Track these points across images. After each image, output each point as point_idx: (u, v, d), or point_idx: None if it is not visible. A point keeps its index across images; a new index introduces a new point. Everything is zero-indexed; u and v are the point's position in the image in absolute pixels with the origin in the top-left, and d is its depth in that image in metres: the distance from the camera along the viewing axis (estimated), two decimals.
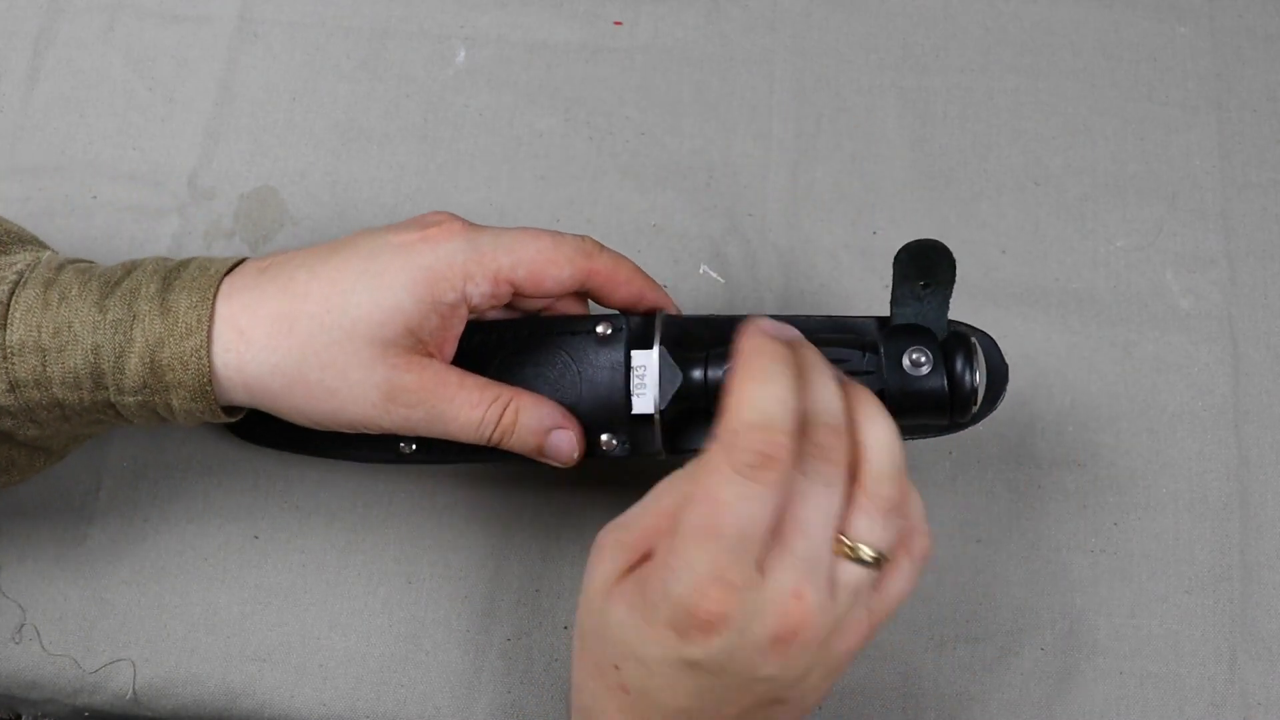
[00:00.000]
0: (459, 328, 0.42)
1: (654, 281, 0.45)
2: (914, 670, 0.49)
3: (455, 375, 0.42)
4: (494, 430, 0.42)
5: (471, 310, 0.42)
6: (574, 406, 0.43)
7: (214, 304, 0.40)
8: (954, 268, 0.41)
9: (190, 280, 0.41)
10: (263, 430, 0.48)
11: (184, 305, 0.40)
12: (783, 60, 0.59)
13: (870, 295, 0.54)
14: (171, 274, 0.41)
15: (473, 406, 0.42)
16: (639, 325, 0.44)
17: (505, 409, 0.42)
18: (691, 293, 0.54)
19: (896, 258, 0.41)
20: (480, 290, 0.41)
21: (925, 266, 0.41)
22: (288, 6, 0.60)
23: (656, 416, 0.43)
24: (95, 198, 0.56)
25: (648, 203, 0.56)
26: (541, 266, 0.42)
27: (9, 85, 0.58)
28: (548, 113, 0.58)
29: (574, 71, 0.59)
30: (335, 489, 0.51)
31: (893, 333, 0.42)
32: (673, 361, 0.42)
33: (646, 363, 0.43)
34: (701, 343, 0.43)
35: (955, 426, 0.44)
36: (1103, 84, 0.59)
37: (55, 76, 0.58)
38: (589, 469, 0.49)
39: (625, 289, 0.44)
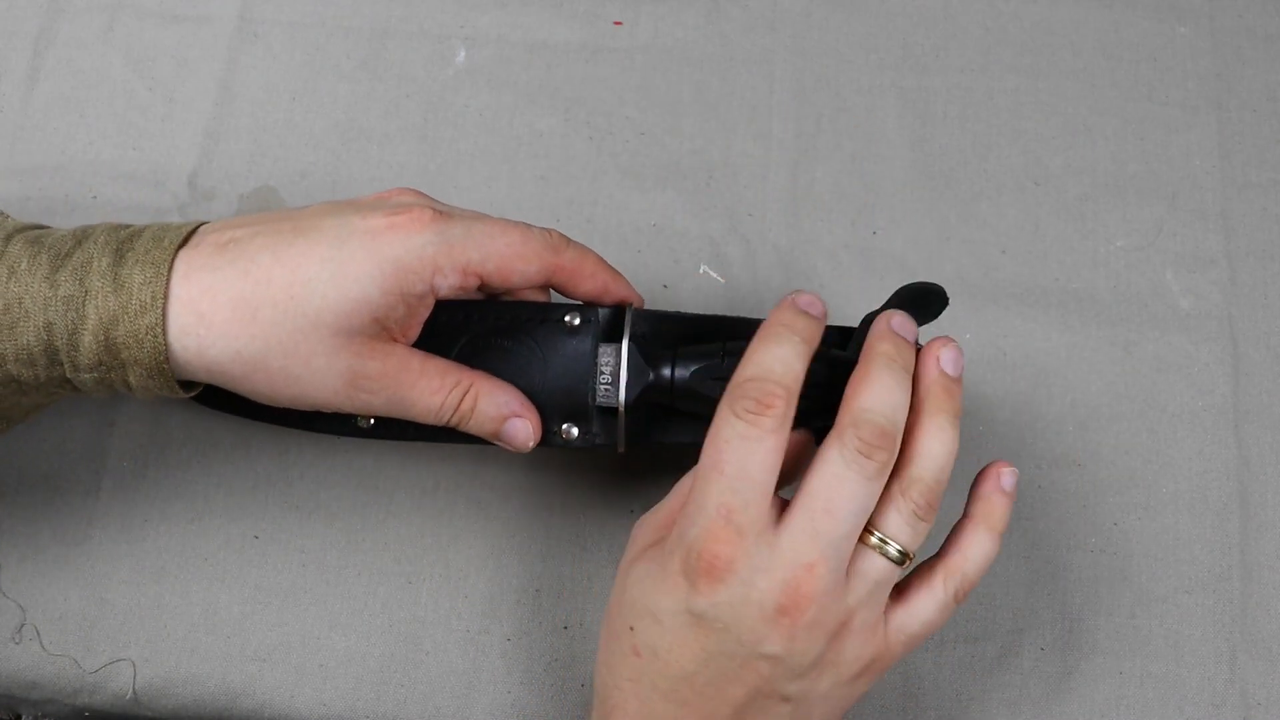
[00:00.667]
0: (425, 314, 0.42)
1: (618, 274, 0.45)
2: (914, 670, 0.49)
3: (417, 360, 0.42)
4: (453, 414, 0.43)
5: (437, 299, 0.42)
6: (537, 393, 0.44)
7: (169, 279, 0.39)
8: (945, 306, 0.43)
9: (144, 253, 0.40)
10: (224, 398, 0.46)
11: (138, 281, 0.39)
12: (783, 60, 0.59)
13: (870, 295, 0.54)
14: (124, 245, 0.40)
15: (433, 392, 0.42)
16: (608, 318, 0.44)
17: (465, 395, 0.42)
18: (691, 293, 0.54)
19: (899, 292, 0.42)
20: (448, 282, 0.41)
21: (922, 305, 0.43)
22: (288, 6, 0.60)
23: (621, 411, 0.43)
24: (95, 198, 0.56)
25: (648, 203, 0.56)
26: (509, 261, 0.42)
27: (9, 85, 0.58)
28: (548, 113, 0.58)
29: (574, 71, 0.59)
30: (335, 489, 0.51)
31: None
32: (641, 359, 0.43)
33: (615, 357, 0.43)
34: (668, 338, 0.44)
35: None
36: (1103, 84, 0.59)
37: (55, 76, 0.58)
38: (592, 470, 0.49)
39: (590, 283, 0.44)
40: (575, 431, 0.44)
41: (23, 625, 0.49)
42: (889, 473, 0.38)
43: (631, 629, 0.40)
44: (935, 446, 0.39)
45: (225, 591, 0.50)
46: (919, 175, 0.57)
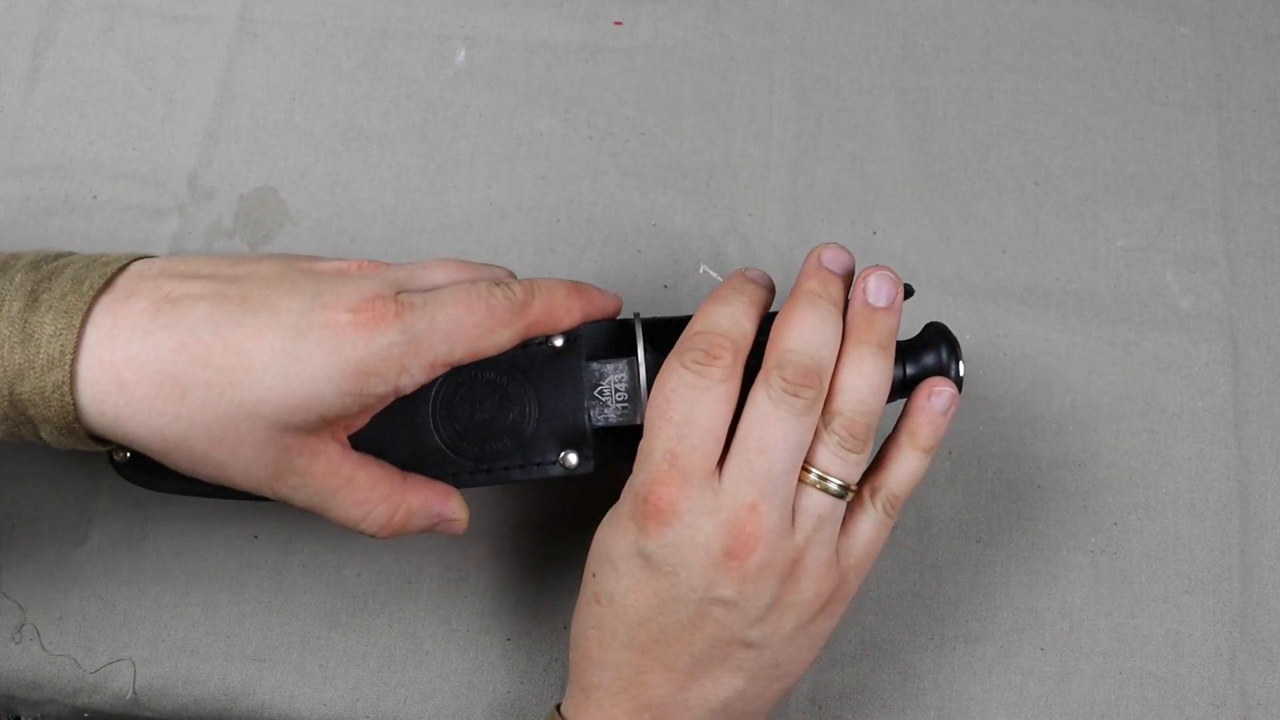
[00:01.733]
0: (381, 408, 0.39)
1: (591, 292, 0.42)
2: (914, 670, 0.49)
3: (348, 467, 0.39)
4: (379, 530, 0.40)
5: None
6: (530, 426, 0.42)
7: (83, 330, 0.35)
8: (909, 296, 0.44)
9: (59, 298, 0.36)
10: (157, 478, 0.43)
11: (48, 331, 0.35)
12: (783, 60, 0.59)
13: None
14: (41, 285, 0.36)
15: (357, 504, 0.39)
16: (595, 332, 0.42)
17: (395, 513, 0.40)
18: (691, 293, 0.54)
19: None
20: (414, 379, 0.38)
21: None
22: (288, 6, 0.60)
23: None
24: (95, 198, 0.56)
25: (648, 203, 0.56)
26: (479, 339, 0.39)
27: (9, 85, 0.58)
28: (548, 113, 0.58)
29: (574, 71, 0.59)
30: None
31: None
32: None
33: (629, 372, 0.42)
34: (668, 342, 0.42)
35: None
36: (1103, 84, 0.59)
37: (55, 76, 0.58)
38: (592, 470, 0.49)
39: (568, 319, 0.41)
40: (574, 459, 0.42)
41: (23, 625, 0.49)
42: (820, 407, 0.39)
43: (594, 576, 0.41)
44: (854, 379, 0.39)
45: (225, 591, 0.50)
46: (919, 175, 0.57)
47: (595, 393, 0.42)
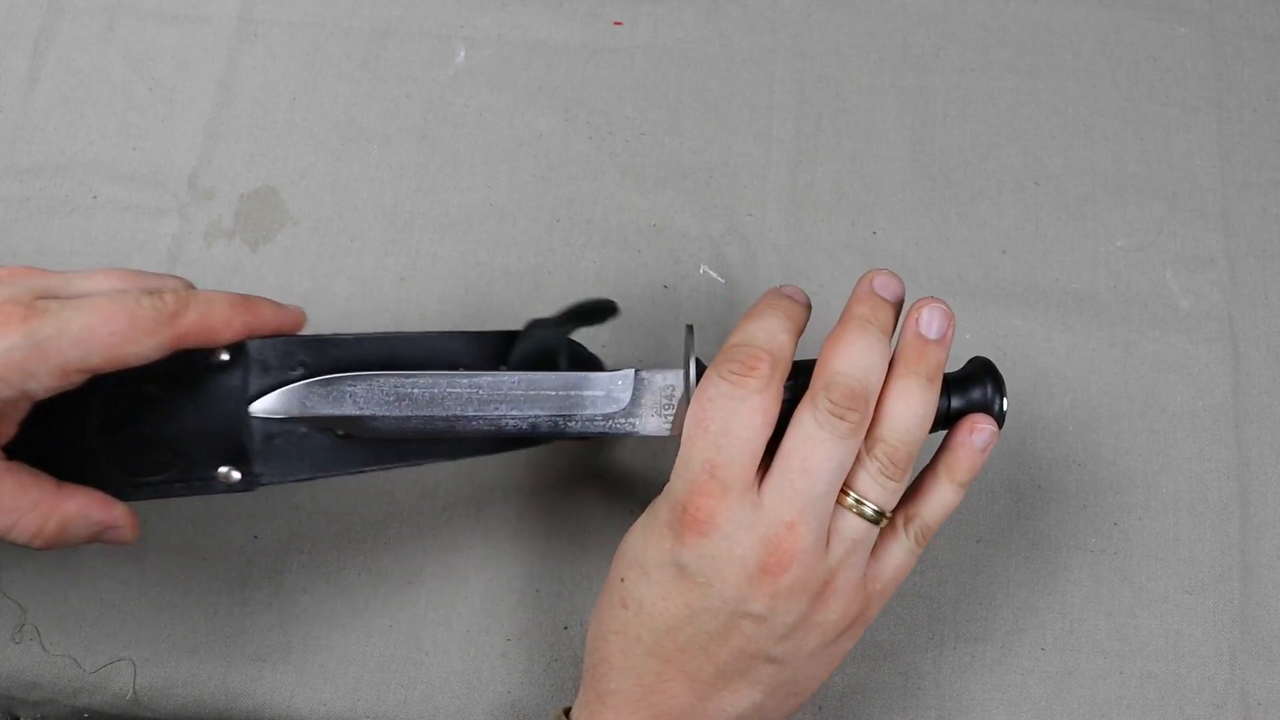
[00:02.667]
0: (20, 415, 0.38)
1: (262, 305, 0.41)
2: (914, 670, 0.49)
3: None
4: (33, 539, 0.39)
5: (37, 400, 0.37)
6: (189, 439, 0.41)
7: None
8: (614, 315, 0.45)
9: None
10: None
11: None
12: (783, 60, 0.59)
13: None
14: None
15: (2, 512, 0.38)
16: (262, 350, 0.41)
17: (46, 522, 0.39)
18: (691, 293, 0.54)
19: (569, 309, 0.44)
20: (45, 385, 0.36)
21: (590, 317, 0.45)
22: (288, 6, 0.60)
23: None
24: (95, 198, 0.56)
25: (648, 203, 0.56)
26: (118, 347, 0.37)
27: (9, 85, 0.58)
28: (548, 113, 0.58)
29: (574, 71, 0.59)
30: (335, 489, 0.51)
31: None
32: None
33: (681, 381, 0.42)
34: (339, 365, 0.41)
35: None
36: (1103, 84, 0.59)
37: (55, 76, 0.58)
38: (593, 471, 0.49)
39: (228, 333, 0.39)
40: (236, 475, 0.41)
41: (23, 625, 0.49)
42: (864, 432, 0.39)
43: (622, 580, 0.41)
44: (900, 408, 0.39)
45: (225, 591, 0.50)
46: (919, 175, 0.57)
47: (660, 402, 0.42)
